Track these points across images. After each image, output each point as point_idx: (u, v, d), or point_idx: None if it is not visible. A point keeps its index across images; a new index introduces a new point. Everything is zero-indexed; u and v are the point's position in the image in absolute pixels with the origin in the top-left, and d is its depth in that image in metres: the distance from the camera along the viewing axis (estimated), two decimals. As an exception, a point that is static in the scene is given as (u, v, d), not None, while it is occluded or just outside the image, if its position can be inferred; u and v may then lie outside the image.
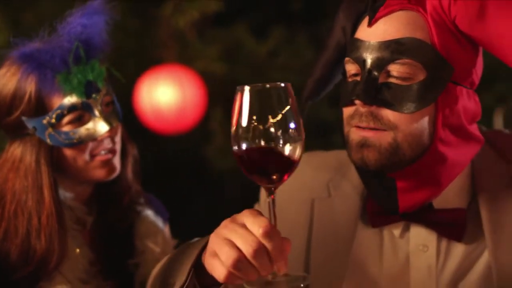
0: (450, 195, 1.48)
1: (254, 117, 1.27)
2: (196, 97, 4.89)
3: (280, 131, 1.26)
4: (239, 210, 1.30)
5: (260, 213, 1.23)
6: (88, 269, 1.76)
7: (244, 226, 1.20)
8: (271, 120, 1.28)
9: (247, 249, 1.18)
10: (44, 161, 1.68)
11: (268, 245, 1.18)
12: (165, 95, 4.72)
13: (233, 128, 1.28)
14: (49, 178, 1.68)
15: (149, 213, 1.91)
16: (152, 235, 1.87)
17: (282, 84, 1.28)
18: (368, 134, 1.39)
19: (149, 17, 4.88)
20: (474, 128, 1.47)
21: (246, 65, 5.77)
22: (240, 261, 1.19)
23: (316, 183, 1.60)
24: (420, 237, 1.48)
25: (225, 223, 1.26)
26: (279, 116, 1.27)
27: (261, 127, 1.27)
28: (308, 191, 1.60)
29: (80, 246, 1.76)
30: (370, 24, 1.45)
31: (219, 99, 5.57)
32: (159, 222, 1.93)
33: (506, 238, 1.45)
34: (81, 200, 1.81)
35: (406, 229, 1.50)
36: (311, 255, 1.53)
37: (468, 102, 1.41)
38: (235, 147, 1.27)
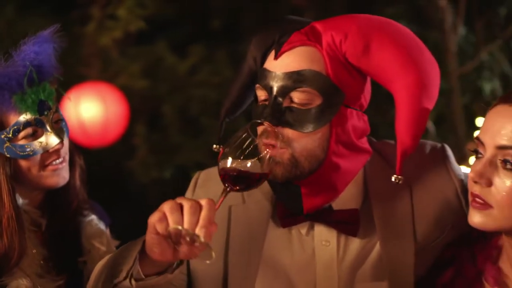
0: (347, 198, 1.67)
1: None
2: (118, 113, 4.98)
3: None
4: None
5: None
6: (43, 265, 1.89)
7: (192, 200, 1.39)
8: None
9: (187, 205, 1.36)
10: (3, 171, 1.84)
11: (204, 210, 1.37)
12: (89, 111, 4.82)
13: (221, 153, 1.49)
14: (7, 185, 1.84)
15: (94, 217, 2.10)
16: (98, 236, 2.05)
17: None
18: (273, 153, 1.55)
19: (74, 36, 4.98)
20: (363, 142, 1.70)
21: (167, 81, 5.91)
22: (175, 209, 1.37)
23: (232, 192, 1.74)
24: (323, 234, 1.67)
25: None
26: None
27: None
28: (225, 199, 1.67)
29: (36, 245, 1.89)
30: (276, 57, 1.61)
31: (141, 114, 5.71)
32: (102, 225, 2.12)
33: (393, 231, 1.68)
34: (34, 205, 1.95)
35: (311, 228, 1.68)
36: (229, 253, 1.71)
37: (357, 121, 1.63)
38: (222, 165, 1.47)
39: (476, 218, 1.50)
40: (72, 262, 1.95)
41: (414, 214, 1.68)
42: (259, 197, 1.73)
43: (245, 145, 1.47)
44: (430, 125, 5.17)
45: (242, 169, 1.47)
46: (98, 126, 4.89)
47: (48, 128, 1.84)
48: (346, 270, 1.67)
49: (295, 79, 1.57)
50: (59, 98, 1.95)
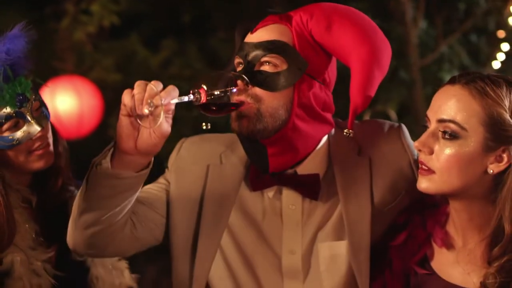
0: (311, 165, 1.88)
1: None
2: (93, 105, 5.11)
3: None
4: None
5: None
6: (35, 239, 2.06)
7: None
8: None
9: (153, 81, 1.61)
10: None
11: (169, 86, 1.62)
12: (64, 103, 4.93)
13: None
14: None
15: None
16: None
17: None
18: (242, 107, 1.79)
19: (48, 30, 5.08)
20: (326, 114, 1.88)
21: (140, 75, 6.02)
22: (143, 83, 1.60)
23: (212, 153, 1.98)
24: (289, 198, 1.88)
25: None
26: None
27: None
28: (205, 158, 2.01)
29: (27, 221, 2.06)
30: (252, 32, 1.87)
31: (115, 107, 5.82)
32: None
33: (353, 196, 1.91)
34: (25, 184, 2.11)
35: (279, 192, 1.89)
36: (203, 206, 1.94)
37: (319, 92, 1.85)
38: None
39: (422, 183, 1.71)
40: (60, 235, 2.13)
41: (372, 181, 1.90)
42: (235, 160, 1.97)
43: (221, 81, 1.71)
44: (393, 116, 5.40)
45: (213, 92, 1.69)
46: (73, 119, 5.00)
47: (29, 118, 2.00)
48: (309, 230, 1.89)
49: (266, 47, 1.83)
50: (37, 87, 2.11)
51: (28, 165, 2.04)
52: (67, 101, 4.94)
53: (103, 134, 5.53)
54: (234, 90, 1.73)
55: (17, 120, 2.00)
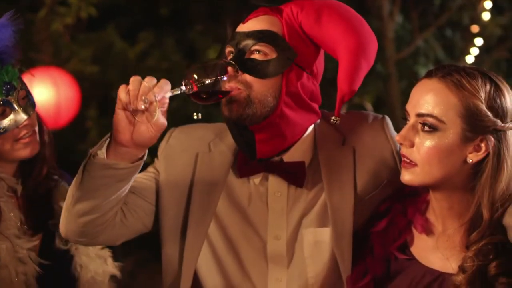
0: (297, 153, 1.93)
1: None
2: (70, 97, 5.07)
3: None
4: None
5: None
6: (20, 227, 2.09)
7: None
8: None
9: (147, 78, 1.66)
10: None
11: (161, 81, 1.66)
12: (41, 95, 4.89)
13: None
14: None
15: (63, 183, 2.27)
16: None
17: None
18: (232, 93, 1.84)
19: (25, 21, 5.04)
20: (314, 105, 1.93)
21: (117, 67, 6.02)
22: (138, 80, 1.65)
23: (201, 141, 2.02)
24: (275, 185, 1.93)
25: None
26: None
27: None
28: (194, 147, 2.01)
29: (12, 209, 2.09)
30: (244, 22, 1.92)
31: (92, 99, 5.81)
32: (71, 192, 2.31)
33: (337, 184, 1.91)
34: (10, 173, 2.13)
35: (265, 179, 1.93)
36: (192, 193, 1.98)
37: (307, 82, 1.90)
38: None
39: (405, 176, 1.76)
40: (45, 224, 2.14)
41: (355, 170, 1.95)
42: (224, 148, 2.01)
43: (212, 70, 1.76)
44: (369, 108, 5.47)
45: (204, 81, 1.74)
46: (50, 110, 4.96)
47: (16, 106, 2.01)
48: (294, 217, 1.93)
49: (256, 36, 1.88)
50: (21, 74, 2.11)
51: (14, 153, 2.05)
52: (44, 92, 4.90)
53: (80, 125, 5.53)
54: (225, 78, 1.77)
55: (4, 109, 2.01)
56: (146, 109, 1.66)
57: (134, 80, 1.67)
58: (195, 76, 1.73)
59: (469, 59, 5.88)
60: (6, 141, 2.03)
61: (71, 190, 1.82)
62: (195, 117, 1.87)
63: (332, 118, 1.83)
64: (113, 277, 2.29)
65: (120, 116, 1.70)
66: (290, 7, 1.91)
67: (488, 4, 5.64)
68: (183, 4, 6.54)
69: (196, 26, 6.41)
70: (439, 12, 5.91)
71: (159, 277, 2.04)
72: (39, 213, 2.14)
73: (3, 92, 1.99)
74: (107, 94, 5.92)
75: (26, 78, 2.18)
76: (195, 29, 6.41)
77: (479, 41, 5.85)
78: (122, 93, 1.67)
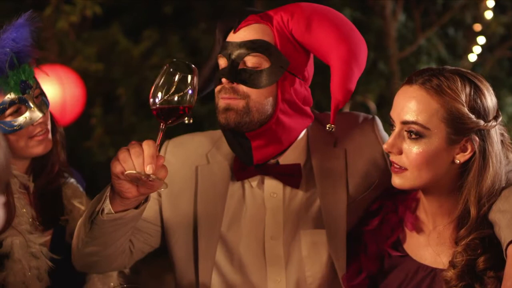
0: (292, 156, 1.97)
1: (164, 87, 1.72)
2: (76, 94, 5.11)
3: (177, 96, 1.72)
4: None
5: (151, 140, 1.67)
6: (32, 223, 2.13)
7: (138, 142, 1.65)
8: (173, 89, 1.73)
9: (131, 151, 1.63)
10: None
11: (145, 150, 1.63)
12: (47, 92, 4.92)
13: (151, 92, 1.71)
14: None
15: (73, 180, 2.31)
16: (78, 197, 2.26)
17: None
18: (230, 101, 1.87)
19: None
20: (306, 108, 1.97)
21: (121, 65, 6.05)
22: (127, 158, 1.63)
23: (198, 154, 2.03)
24: (271, 186, 1.96)
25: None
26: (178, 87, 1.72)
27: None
28: (192, 160, 2.02)
29: (25, 205, 2.12)
30: (235, 31, 1.93)
31: (97, 97, 5.85)
32: (81, 188, 2.35)
33: (330, 185, 1.95)
34: (23, 170, 2.17)
35: (261, 182, 1.97)
36: (197, 206, 1.97)
37: (300, 87, 1.94)
38: (151, 103, 1.70)
39: (396, 180, 1.80)
40: (56, 220, 2.19)
41: (347, 171, 1.98)
42: (220, 158, 2.04)
43: (173, 81, 1.68)
44: (372, 106, 5.49)
45: (171, 104, 1.68)
46: (56, 108, 5.00)
47: (31, 104, 2.05)
48: (290, 217, 1.97)
49: (249, 46, 1.89)
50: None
51: (28, 150, 2.10)
52: (50, 90, 4.94)
53: (84, 123, 5.56)
54: (190, 91, 1.70)
55: (20, 106, 2.04)
56: (151, 180, 1.65)
57: (123, 160, 1.64)
58: (166, 107, 1.68)
59: (472, 57, 5.89)
60: (21, 138, 2.07)
61: (79, 232, 1.87)
62: (186, 122, 1.89)
63: (328, 126, 1.86)
64: (120, 272, 2.34)
65: (120, 184, 1.69)
66: (280, 14, 1.92)
67: (490, 3, 5.65)
68: (187, 3, 6.56)
69: (199, 24, 6.44)
70: (442, 11, 5.93)
71: (163, 272, 2.07)
72: (50, 209, 2.19)
73: (20, 90, 2.03)
74: (112, 92, 5.97)
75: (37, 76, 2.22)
76: (199, 27, 6.43)
77: (481, 40, 5.86)
78: (118, 173, 1.65)
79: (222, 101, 1.90)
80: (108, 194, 1.75)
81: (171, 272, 2.07)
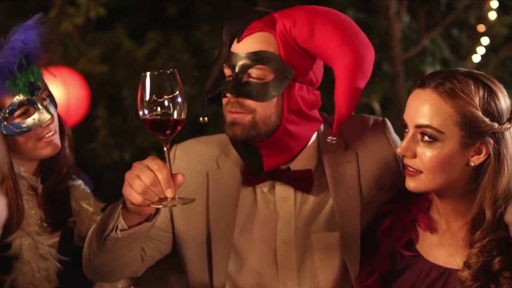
0: (302, 161, 1.95)
1: (154, 94, 1.63)
2: (80, 96, 5.11)
3: (170, 103, 1.66)
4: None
5: (157, 158, 1.65)
6: (40, 225, 2.14)
7: (146, 166, 1.60)
8: (165, 96, 1.66)
9: (146, 181, 1.58)
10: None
11: (159, 176, 1.59)
12: (51, 94, 4.94)
13: (139, 101, 1.62)
14: (7, 159, 2.05)
15: (81, 182, 2.32)
16: (86, 198, 2.28)
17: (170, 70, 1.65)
18: (236, 116, 1.85)
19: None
20: (314, 112, 1.94)
21: (125, 67, 6.04)
22: (145, 189, 1.59)
23: (208, 159, 2.01)
24: (282, 191, 1.95)
25: (135, 164, 1.63)
26: (170, 93, 1.66)
27: (158, 100, 1.67)
28: (202, 165, 2.00)
29: (33, 207, 2.13)
30: (238, 41, 1.90)
31: (101, 98, 5.85)
32: (88, 190, 2.35)
33: (343, 188, 1.93)
34: (31, 172, 2.17)
35: (272, 187, 1.96)
36: (210, 213, 1.96)
37: (306, 94, 1.91)
38: (141, 114, 1.62)
39: (410, 183, 1.80)
40: (64, 221, 2.19)
41: (360, 174, 1.97)
42: (230, 164, 2.01)
43: (162, 94, 1.61)
44: (376, 108, 5.49)
45: (166, 116, 1.62)
46: (60, 109, 4.98)
47: (40, 106, 2.05)
48: (302, 222, 1.95)
49: (253, 58, 1.86)
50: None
51: (36, 151, 2.09)
52: (54, 92, 4.91)
53: (89, 125, 5.56)
54: (179, 100, 1.63)
55: (28, 108, 2.04)
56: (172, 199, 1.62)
57: (137, 189, 1.60)
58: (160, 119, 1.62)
59: (476, 58, 5.88)
60: (29, 140, 2.07)
61: (90, 245, 1.86)
62: (201, 121, 1.87)
63: (329, 138, 1.84)
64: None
65: (142, 208, 1.67)
66: (283, 22, 1.88)
67: (494, 4, 5.64)
68: (190, 4, 6.56)
69: (203, 26, 6.44)
70: (446, 12, 5.91)
71: (167, 273, 2.07)
72: (58, 211, 2.19)
73: (28, 91, 2.03)
74: (116, 94, 5.96)
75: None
76: (203, 29, 6.43)
77: (485, 41, 5.85)
78: (139, 189, 1.61)
79: (229, 115, 1.88)
80: (120, 211, 1.73)
81: (175, 273, 2.07)
